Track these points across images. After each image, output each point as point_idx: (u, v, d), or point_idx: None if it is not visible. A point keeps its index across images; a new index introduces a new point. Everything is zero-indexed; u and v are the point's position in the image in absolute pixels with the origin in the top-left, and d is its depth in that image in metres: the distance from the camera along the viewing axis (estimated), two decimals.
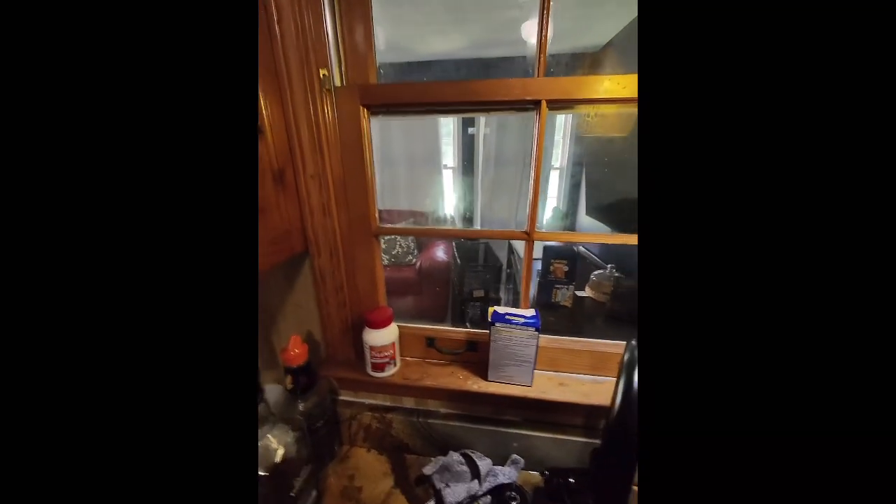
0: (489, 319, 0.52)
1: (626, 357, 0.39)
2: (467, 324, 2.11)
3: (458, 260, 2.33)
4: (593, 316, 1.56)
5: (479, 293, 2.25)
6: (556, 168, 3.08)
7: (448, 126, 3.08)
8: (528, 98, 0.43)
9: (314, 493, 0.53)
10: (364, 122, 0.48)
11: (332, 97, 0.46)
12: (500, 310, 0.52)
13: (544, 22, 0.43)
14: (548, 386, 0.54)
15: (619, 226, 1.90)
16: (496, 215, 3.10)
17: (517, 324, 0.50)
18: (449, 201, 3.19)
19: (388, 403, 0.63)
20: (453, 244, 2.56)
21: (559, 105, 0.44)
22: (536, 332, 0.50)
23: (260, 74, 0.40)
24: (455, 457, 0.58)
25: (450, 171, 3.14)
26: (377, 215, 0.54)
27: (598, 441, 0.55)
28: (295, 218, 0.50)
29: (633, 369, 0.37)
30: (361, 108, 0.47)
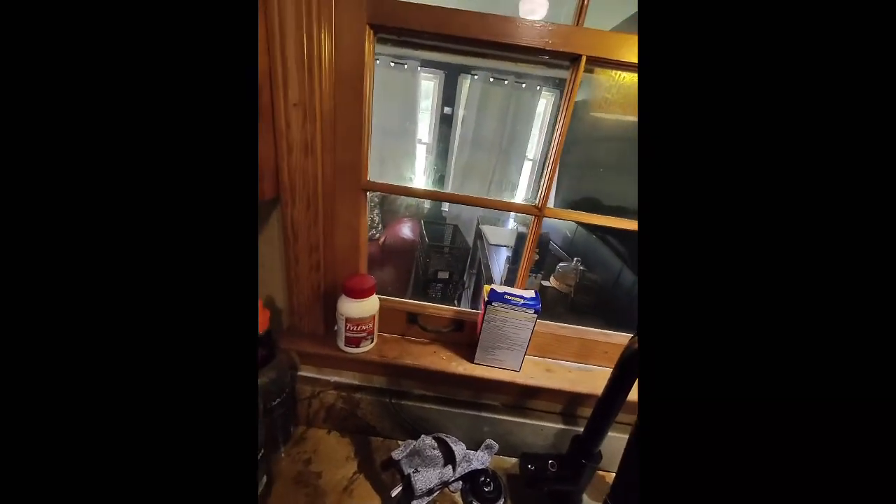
0: (485, 298, 0.47)
1: (628, 351, 0.37)
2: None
3: (427, 239, 2.27)
4: (555, 306, 1.61)
5: (443, 275, 2.23)
6: (530, 160, 3.10)
7: (427, 101, 2.94)
8: (568, 51, 0.38)
9: (264, 479, 0.46)
10: (368, 47, 0.39)
11: (330, 7, 0.37)
12: (499, 289, 0.48)
13: None
14: (535, 371, 0.52)
15: (584, 223, 1.97)
16: None
17: (516, 304, 0.46)
18: (420, 179, 3.08)
19: (356, 382, 0.57)
20: (421, 223, 2.49)
21: (597, 64, 0.40)
22: (535, 315, 0.47)
23: None
24: (427, 441, 0.54)
25: (423, 147, 3.02)
26: (368, 166, 0.46)
27: (576, 428, 0.54)
28: (268, 155, 0.40)
29: (635, 363, 0.35)
30: (368, 28, 0.38)
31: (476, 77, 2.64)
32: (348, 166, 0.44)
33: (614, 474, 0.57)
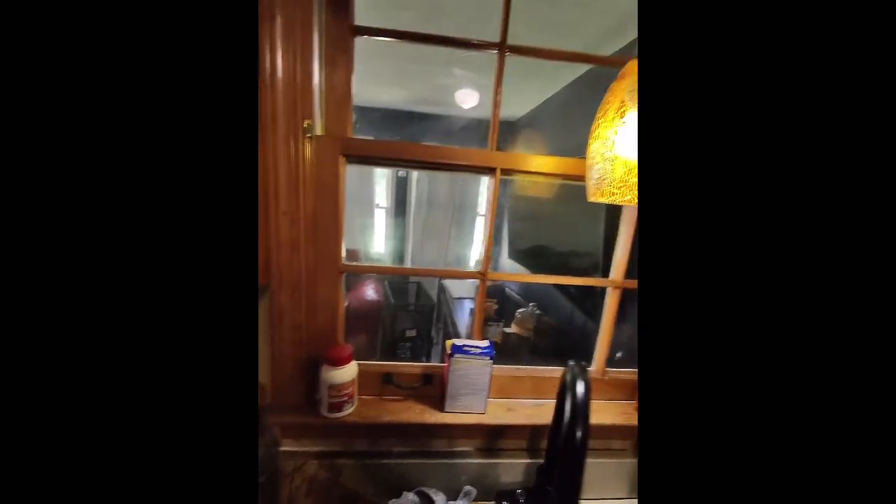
0: (448, 352, 0.57)
1: (567, 377, 0.48)
2: None
3: (391, 299, 2.31)
4: (520, 350, 1.71)
5: (411, 333, 2.25)
6: (482, 215, 3.41)
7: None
8: (487, 165, 0.54)
9: None
10: (341, 168, 0.52)
11: (312, 143, 0.50)
12: (458, 342, 0.57)
13: (496, 108, 0.55)
14: (499, 412, 0.60)
15: (540, 269, 2.18)
16: (426, 256, 3.22)
17: (475, 354, 0.56)
18: (380, 241, 3.21)
19: (337, 448, 0.60)
20: (385, 283, 2.54)
21: (508, 173, 0.56)
22: (491, 361, 0.56)
23: None
24: (410, 497, 0.58)
25: (382, 211, 3.20)
26: (344, 253, 0.56)
27: (541, 460, 0.62)
28: (260, 253, 0.49)
29: (574, 387, 0.45)
30: (341, 157, 0.51)
31: None
32: (327, 255, 0.54)
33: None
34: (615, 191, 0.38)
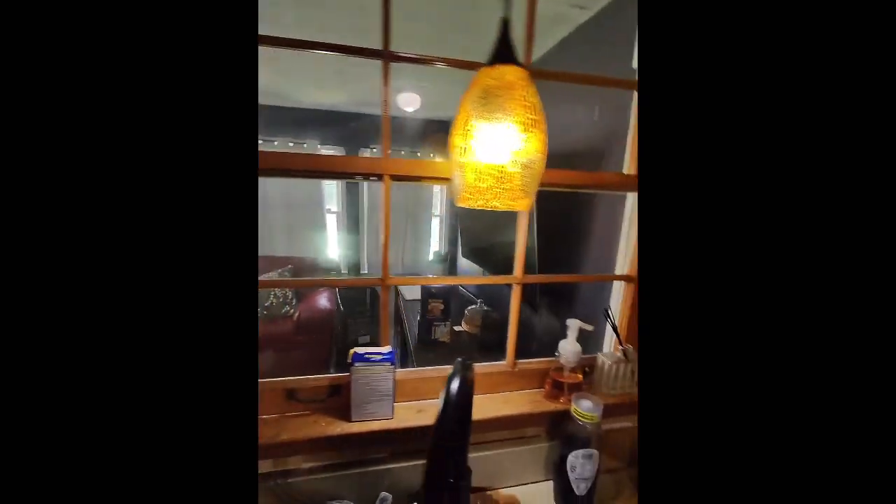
0: (350, 361, 0.56)
1: (451, 372, 0.49)
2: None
3: (342, 307, 2.26)
4: (470, 348, 1.74)
5: (364, 339, 2.21)
6: (437, 216, 3.43)
7: None
8: (378, 172, 0.54)
9: None
10: None
11: None
12: (361, 350, 0.57)
13: (386, 121, 0.55)
14: (407, 414, 0.60)
15: (492, 266, 2.24)
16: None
17: (376, 361, 0.56)
18: (333, 247, 3.13)
19: None
20: (336, 290, 2.48)
21: (400, 178, 0.57)
22: (392, 367, 0.57)
23: None
24: None
25: (334, 216, 3.12)
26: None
27: None
28: None
29: (451, 381, 0.47)
30: None
31: (375, 150, 2.94)
32: None
33: (492, 490, 0.66)
34: (469, 196, 0.40)
